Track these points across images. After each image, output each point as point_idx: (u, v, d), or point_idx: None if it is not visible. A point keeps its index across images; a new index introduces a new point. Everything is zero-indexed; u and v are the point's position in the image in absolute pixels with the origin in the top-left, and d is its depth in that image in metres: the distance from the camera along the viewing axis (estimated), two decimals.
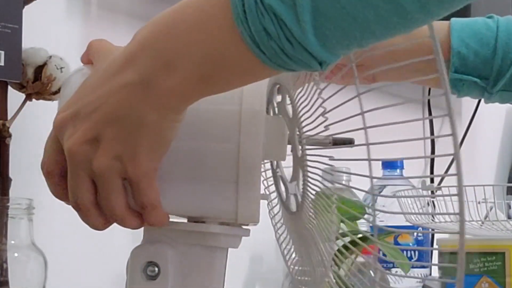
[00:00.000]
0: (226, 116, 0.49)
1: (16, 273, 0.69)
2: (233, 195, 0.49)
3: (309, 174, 0.50)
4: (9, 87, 0.71)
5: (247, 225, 0.53)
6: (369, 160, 0.42)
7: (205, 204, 0.49)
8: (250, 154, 0.48)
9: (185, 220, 0.52)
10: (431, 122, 1.68)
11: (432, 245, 1.47)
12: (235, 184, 0.49)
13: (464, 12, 1.66)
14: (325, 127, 0.48)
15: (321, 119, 0.48)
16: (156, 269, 0.50)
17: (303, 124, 0.50)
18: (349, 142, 0.53)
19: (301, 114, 0.50)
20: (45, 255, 0.71)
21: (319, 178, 0.50)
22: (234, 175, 0.49)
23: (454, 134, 0.37)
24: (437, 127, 1.74)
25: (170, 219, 0.50)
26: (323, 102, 0.47)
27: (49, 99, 0.73)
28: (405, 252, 1.34)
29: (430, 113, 1.67)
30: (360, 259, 1.10)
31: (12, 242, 0.69)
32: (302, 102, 0.50)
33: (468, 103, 1.82)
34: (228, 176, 0.49)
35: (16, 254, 0.69)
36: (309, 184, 0.50)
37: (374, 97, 0.48)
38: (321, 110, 0.48)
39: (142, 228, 0.53)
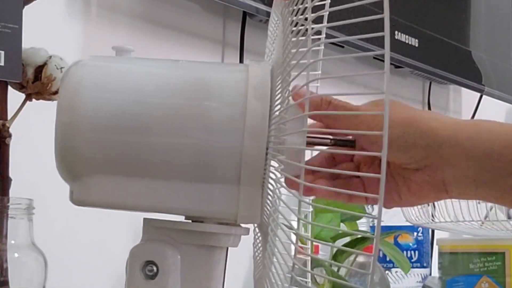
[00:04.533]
0: (230, 116, 0.48)
1: (16, 273, 0.69)
2: (234, 196, 0.49)
3: (269, 167, 0.50)
4: (9, 87, 0.71)
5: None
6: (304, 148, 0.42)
7: (205, 204, 0.49)
8: (254, 155, 0.48)
9: (183, 219, 0.52)
10: None
11: (432, 245, 1.47)
12: (236, 185, 0.48)
13: (464, 12, 1.66)
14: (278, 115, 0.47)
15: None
16: (155, 268, 0.50)
17: (274, 115, 0.49)
18: (350, 143, 0.53)
19: (276, 103, 0.49)
20: (45, 255, 0.71)
21: (274, 170, 0.49)
22: (236, 176, 0.48)
23: (385, 113, 0.38)
24: None
25: (169, 218, 0.50)
26: (284, 88, 0.47)
27: (49, 99, 0.73)
28: (405, 252, 1.34)
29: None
30: (360, 259, 1.11)
31: (12, 242, 0.69)
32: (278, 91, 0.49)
33: (468, 102, 1.82)
34: (230, 177, 0.48)
35: (16, 254, 0.69)
36: (267, 174, 0.50)
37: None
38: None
39: (141, 227, 0.53)
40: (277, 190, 0.46)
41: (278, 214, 0.46)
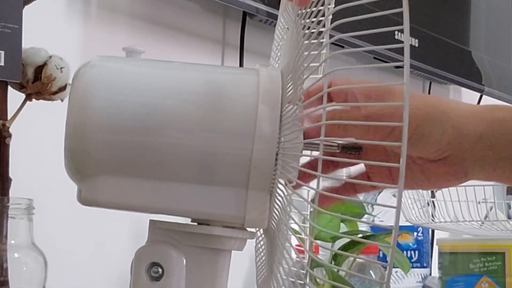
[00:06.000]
0: (240, 120, 0.48)
1: (16, 273, 0.69)
2: (242, 199, 0.48)
3: (279, 172, 0.50)
4: (9, 87, 0.71)
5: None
6: (320, 158, 0.42)
7: (213, 207, 0.49)
8: (263, 160, 0.48)
9: (189, 221, 0.52)
10: None
11: (432, 245, 1.47)
12: (245, 189, 0.48)
13: (464, 12, 1.65)
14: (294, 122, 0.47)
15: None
16: (160, 270, 0.50)
17: (284, 118, 0.49)
18: (356, 149, 0.53)
19: (287, 108, 0.49)
20: (45, 255, 0.71)
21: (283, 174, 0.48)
22: (245, 180, 0.48)
23: (404, 124, 0.38)
24: None
25: (175, 221, 0.50)
26: (298, 95, 0.46)
27: (49, 99, 0.73)
28: (405, 252, 1.34)
29: None
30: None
31: (12, 242, 0.69)
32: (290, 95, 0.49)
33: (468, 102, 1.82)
34: (239, 180, 0.48)
35: (16, 254, 0.69)
36: (276, 179, 0.50)
37: None
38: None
39: (143, 228, 0.53)
40: (288, 196, 0.46)
41: (289, 220, 0.45)
